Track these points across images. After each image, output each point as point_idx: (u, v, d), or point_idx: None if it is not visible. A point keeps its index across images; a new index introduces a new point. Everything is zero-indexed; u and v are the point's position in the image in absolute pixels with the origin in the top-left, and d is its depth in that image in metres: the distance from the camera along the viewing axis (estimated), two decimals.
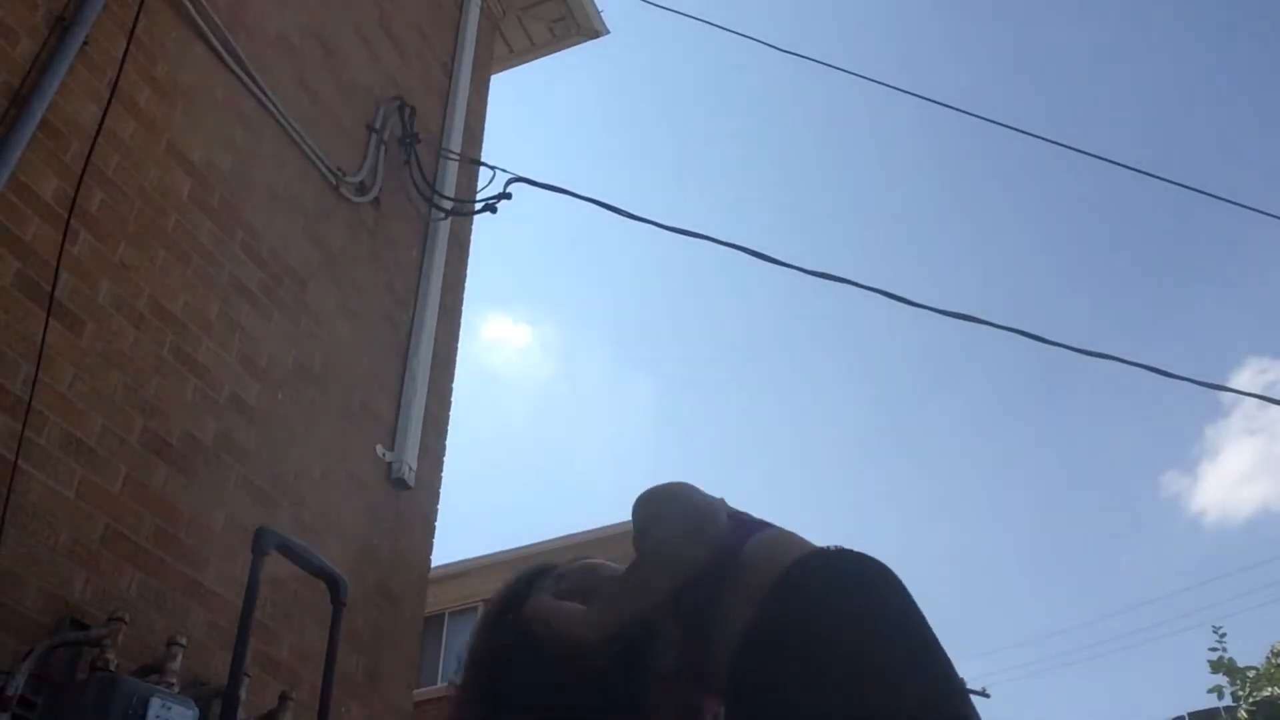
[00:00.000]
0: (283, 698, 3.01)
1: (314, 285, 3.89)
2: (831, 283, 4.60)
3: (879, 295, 4.56)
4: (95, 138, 2.95)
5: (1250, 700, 11.49)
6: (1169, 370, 4.78)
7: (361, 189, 4.34)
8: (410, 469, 4.11)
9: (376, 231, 4.40)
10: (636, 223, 4.76)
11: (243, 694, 2.58)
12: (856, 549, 1.43)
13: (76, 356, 2.78)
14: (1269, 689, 11.41)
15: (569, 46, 6.70)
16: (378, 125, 4.56)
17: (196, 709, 2.47)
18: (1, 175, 2.63)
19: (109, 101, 3.04)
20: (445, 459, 4.48)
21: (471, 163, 5.28)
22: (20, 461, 2.50)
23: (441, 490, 4.39)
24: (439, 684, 12.08)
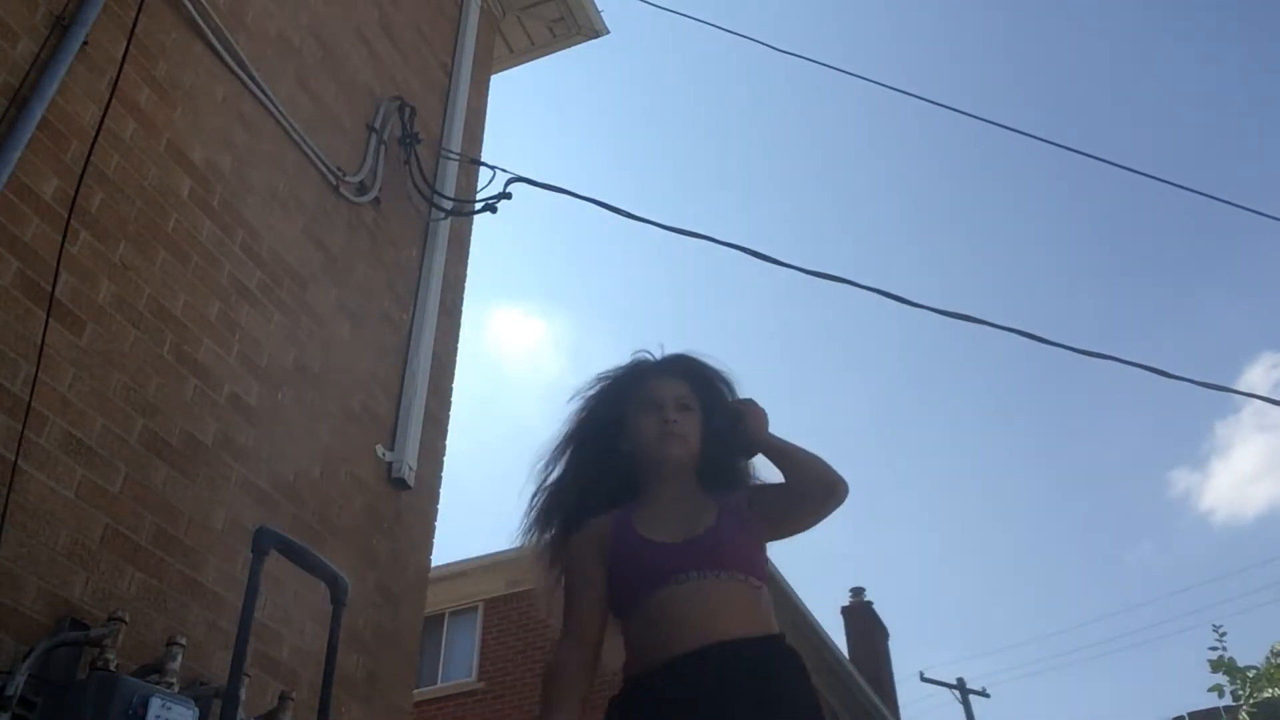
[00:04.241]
0: (283, 698, 3.01)
1: (314, 285, 3.89)
2: (831, 283, 4.60)
3: (879, 295, 4.56)
4: (95, 138, 2.95)
5: (1251, 701, 11.45)
6: (1169, 370, 4.78)
7: (361, 189, 4.34)
8: (410, 469, 4.10)
9: (376, 231, 4.40)
10: (639, 222, 4.76)
11: (243, 694, 2.58)
12: None
13: (76, 356, 2.78)
14: (1269, 690, 11.37)
15: (569, 46, 6.69)
16: (378, 125, 4.55)
17: (196, 709, 2.47)
18: (1, 175, 2.63)
19: (109, 101, 3.04)
20: (445, 459, 4.48)
21: (471, 163, 5.28)
22: (20, 461, 2.50)
23: (441, 490, 4.39)
24: (439, 684, 12.08)
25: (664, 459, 1.84)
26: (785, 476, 1.80)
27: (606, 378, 1.99)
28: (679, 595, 1.67)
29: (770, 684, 1.60)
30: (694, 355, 1.99)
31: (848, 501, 1.78)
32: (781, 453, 1.79)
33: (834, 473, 1.77)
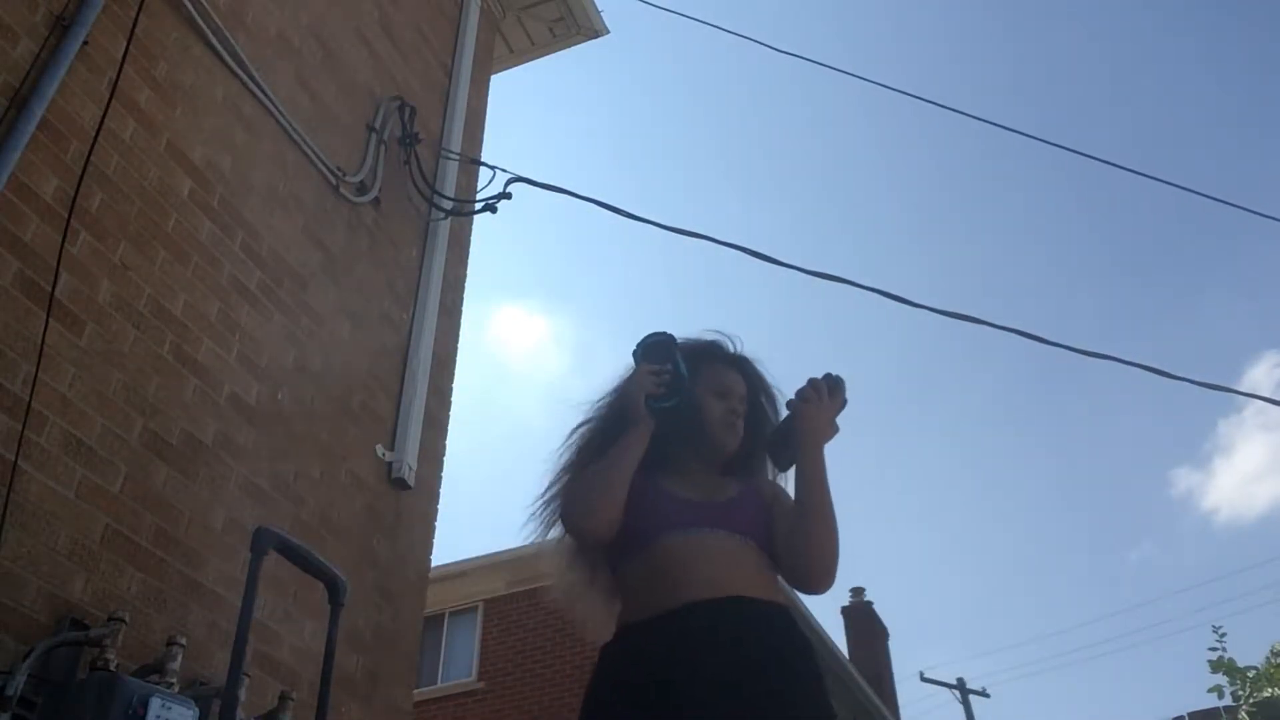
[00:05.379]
0: (282, 698, 3.01)
1: (314, 285, 3.89)
2: (831, 283, 4.60)
3: (879, 295, 4.56)
4: (95, 138, 2.95)
5: (1251, 701, 11.45)
6: (1170, 370, 4.78)
7: (361, 189, 4.34)
8: (410, 469, 4.11)
9: (376, 231, 4.40)
10: (639, 222, 4.76)
11: (243, 694, 2.58)
12: None
13: (76, 356, 2.78)
14: (1269, 689, 11.37)
15: (569, 46, 6.69)
16: (378, 125, 4.55)
17: (196, 709, 2.47)
18: (1, 175, 2.63)
19: (109, 101, 3.04)
20: (445, 459, 4.48)
21: (471, 163, 5.28)
22: (20, 461, 2.50)
23: (441, 490, 4.39)
24: (439, 684, 12.08)
25: (718, 444, 1.92)
26: (800, 519, 1.75)
27: (686, 345, 2.02)
28: (690, 543, 1.70)
29: (769, 647, 1.59)
30: (759, 367, 2.06)
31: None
32: (818, 488, 1.76)
33: (831, 564, 1.71)
